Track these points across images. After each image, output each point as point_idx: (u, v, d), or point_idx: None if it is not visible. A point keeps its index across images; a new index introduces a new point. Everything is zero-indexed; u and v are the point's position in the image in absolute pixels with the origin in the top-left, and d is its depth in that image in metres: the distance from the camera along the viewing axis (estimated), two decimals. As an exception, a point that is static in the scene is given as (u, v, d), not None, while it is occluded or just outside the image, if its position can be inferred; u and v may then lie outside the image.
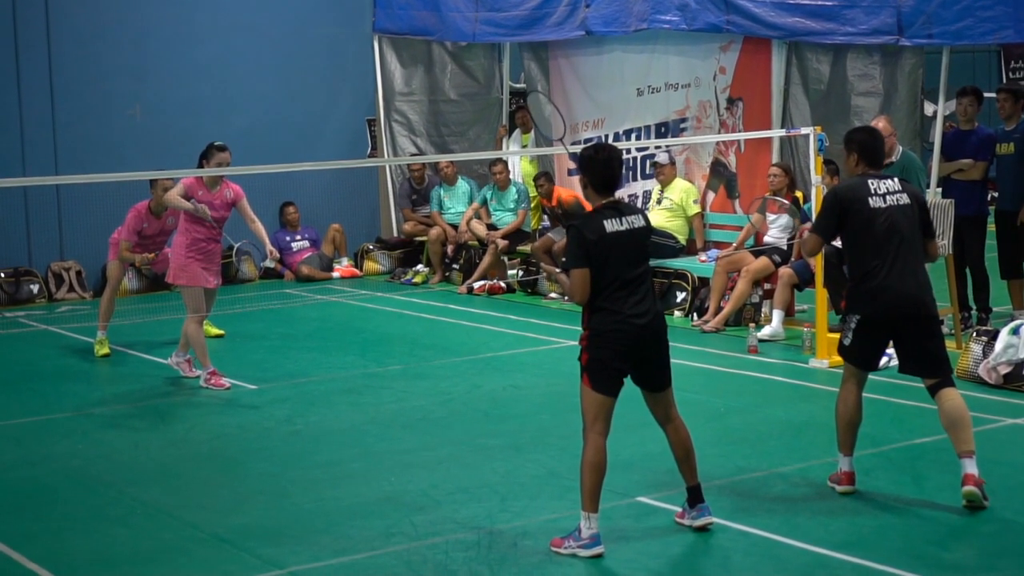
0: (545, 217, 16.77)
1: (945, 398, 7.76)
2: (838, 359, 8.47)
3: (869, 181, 7.81)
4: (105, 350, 12.99)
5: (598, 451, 7.01)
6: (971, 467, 7.61)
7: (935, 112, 13.16)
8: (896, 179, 7.95)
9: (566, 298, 9.96)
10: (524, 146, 17.65)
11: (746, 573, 6.85)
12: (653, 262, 8.10)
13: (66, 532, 7.76)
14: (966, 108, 12.71)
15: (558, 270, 7.36)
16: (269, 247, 11.61)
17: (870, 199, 7.74)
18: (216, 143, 11.56)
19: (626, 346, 7.03)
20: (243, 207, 11.64)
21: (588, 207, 7.36)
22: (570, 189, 16.31)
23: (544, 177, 16.28)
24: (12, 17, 16.60)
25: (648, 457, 8.64)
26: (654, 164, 15.39)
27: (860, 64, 13.40)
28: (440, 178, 17.70)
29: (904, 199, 7.81)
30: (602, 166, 7.16)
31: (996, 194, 12.90)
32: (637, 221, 7.16)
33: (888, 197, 7.77)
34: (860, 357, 7.93)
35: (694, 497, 7.40)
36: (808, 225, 12.51)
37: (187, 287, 11.48)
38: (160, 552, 7.37)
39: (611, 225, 7.04)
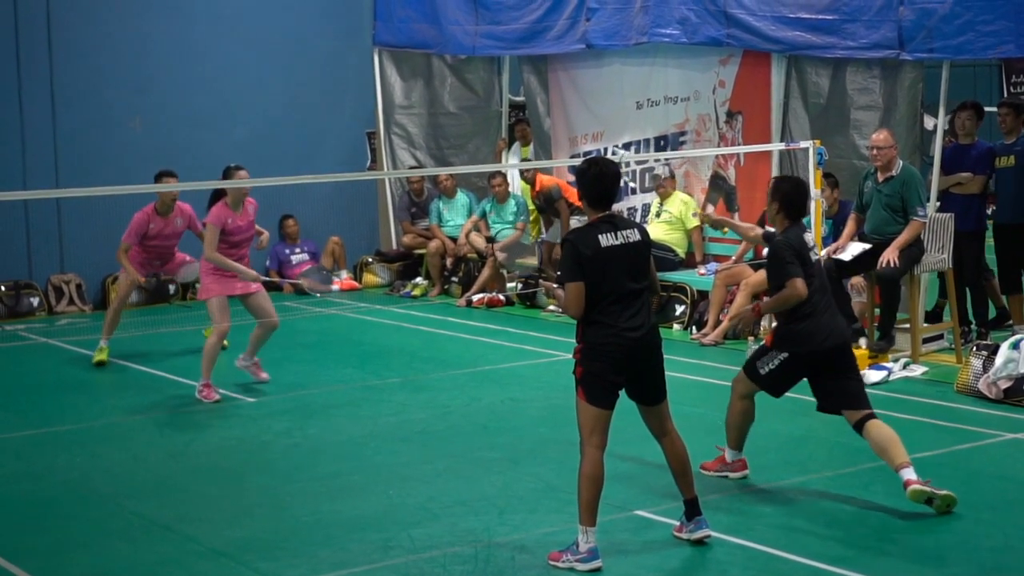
0: (544, 228, 16.78)
1: (874, 427, 8.02)
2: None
3: (802, 234, 8.23)
4: (102, 357, 13.03)
5: (595, 464, 7.01)
6: (910, 474, 7.78)
7: (935, 126, 13.16)
8: (810, 232, 8.51)
9: (558, 310, 9.78)
10: (524, 159, 17.66)
11: (744, 587, 6.86)
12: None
13: (66, 545, 7.76)
14: (964, 122, 12.72)
15: (555, 285, 7.38)
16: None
17: (810, 253, 8.19)
18: (231, 164, 11.69)
19: (620, 359, 7.04)
20: None
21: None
22: (553, 176, 16.35)
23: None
24: (14, 29, 16.62)
25: (646, 470, 8.65)
26: (654, 177, 15.41)
27: (860, 78, 13.40)
28: (439, 191, 17.72)
29: (816, 250, 8.36)
30: (594, 180, 7.18)
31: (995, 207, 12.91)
32: (633, 235, 7.16)
33: (814, 249, 8.30)
34: (772, 385, 8.37)
35: (691, 510, 7.40)
36: None
37: (212, 299, 11.52)
38: (159, 565, 7.36)
39: (606, 239, 7.06)
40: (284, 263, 18.00)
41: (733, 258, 14.01)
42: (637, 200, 16.24)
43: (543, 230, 16.86)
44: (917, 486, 7.71)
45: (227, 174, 11.62)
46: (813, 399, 10.60)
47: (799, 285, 8.01)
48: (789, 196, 8.22)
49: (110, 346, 13.24)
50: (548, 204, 15.77)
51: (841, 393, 8.16)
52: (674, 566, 7.17)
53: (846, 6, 13.07)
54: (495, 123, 18.37)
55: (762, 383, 8.36)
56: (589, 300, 7.03)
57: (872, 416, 8.05)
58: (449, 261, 17.26)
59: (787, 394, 10.62)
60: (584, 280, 7.01)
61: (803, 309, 8.07)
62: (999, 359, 10.55)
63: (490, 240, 16.69)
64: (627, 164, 15.87)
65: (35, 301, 16.67)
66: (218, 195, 11.56)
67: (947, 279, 12.38)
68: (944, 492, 7.78)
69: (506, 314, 15.69)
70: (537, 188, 16.08)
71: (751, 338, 12.56)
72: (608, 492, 7.18)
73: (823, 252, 11.65)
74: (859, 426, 8.06)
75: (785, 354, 8.19)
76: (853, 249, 11.90)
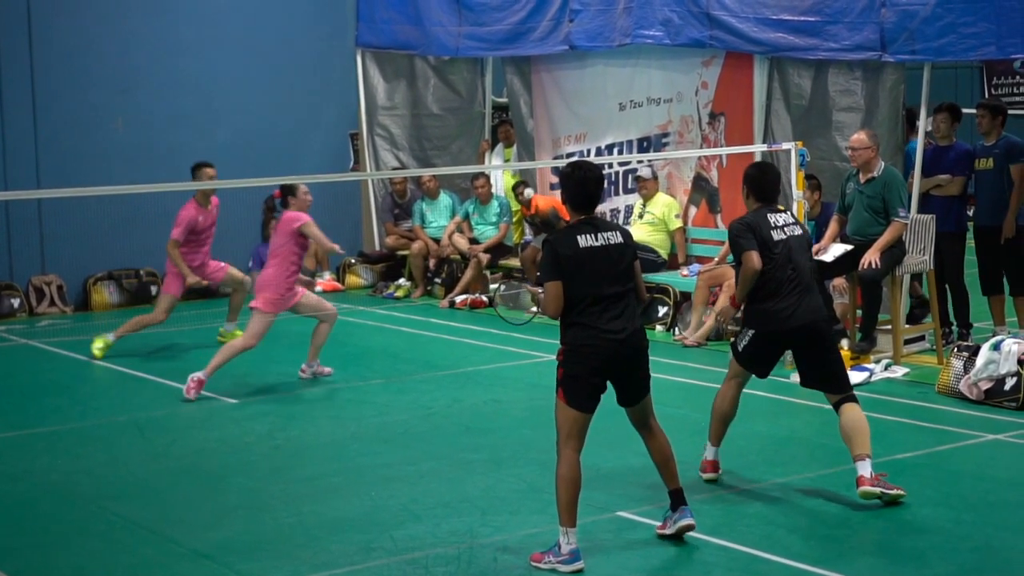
0: (528, 229, 16.79)
1: (848, 411, 8.17)
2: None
3: (768, 215, 8.33)
4: (100, 345, 13.11)
5: (572, 466, 7.03)
6: (864, 469, 7.97)
7: (917, 128, 13.16)
8: (790, 212, 8.59)
9: (537, 310, 9.60)
10: (507, 160, 17.66)
11: (726, 588, 6.87)
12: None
13: (46, 547, 7.74)
14: (939, 124, 12.75)
15: (539, 288, 7.40)
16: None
17: (772, 232, 8.25)
18: (301, 184, 12.06)
19: (601, 361, 7.05)
20: None
21: (562, 211, 7.47)
22: (548, 197, 16.38)
23: (523, 185, 16.37)
24: (-6, 29, 16.59)
25: (629, 472, 8.65)
26: (636, 178, 15.41)
27: (842, 80, 13.42)
28: (422, 192, 17.70)
29: (798, 230, 8.39)
30: (577, 184, 7.23)
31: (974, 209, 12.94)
32: (614, 237, 7.18)
33: (786, 229, 8.32)
34: (753, 364, 8.45)
35: (676, 500, 7.44)
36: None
37: (269, 315, 11.64)
38: (140, 567, 7.35)
39: (585, 240, 7.09)
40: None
41: (716, 259, 14.01)
42: (620, 201, 16.25)
43: (526, 233, 16.86)
44: (867, 487, 7.91)
45: (291, 190, 12.00)
46: (795, 400, 10.69)
47: (753, 257, 8.15)
48: (755, 179, 8.45)
49: (110, 347, 13.33)
50: (546, 227, 15.77)
51: (818, 374, 8.30)
52: (656, 566, 7.18)
53: (828, 8, 13.09)
54: (478, 124, 18.35)
55: (742, 362, 8.45)
56: (568, 301, 7.06)
57: (850, 399, 8.19)
58: (432, 262, 17.25)
59: (769, 395, 10.65)
60: (562, 280, 7.04)
61: (766, 288, 8.19)
62: (980, 360, 10.58)
63: (473, 242, 16.67)
64: (609, 166, 15.88)
65: (16, 302, 16.59)
66: (271, 207, 11.84)
67: (928, 281, 12.41)
68: (895, 492, 7.96)
69: (489, 315, 15.67)
70: (532, 210, 16.11)
71: (733, 339, 12.56)
72: (590, 493, 7.19)
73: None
74: (836, 407, 8.22)
75: (752, 331, 8.34)
76: (835, 250, 11.93)
